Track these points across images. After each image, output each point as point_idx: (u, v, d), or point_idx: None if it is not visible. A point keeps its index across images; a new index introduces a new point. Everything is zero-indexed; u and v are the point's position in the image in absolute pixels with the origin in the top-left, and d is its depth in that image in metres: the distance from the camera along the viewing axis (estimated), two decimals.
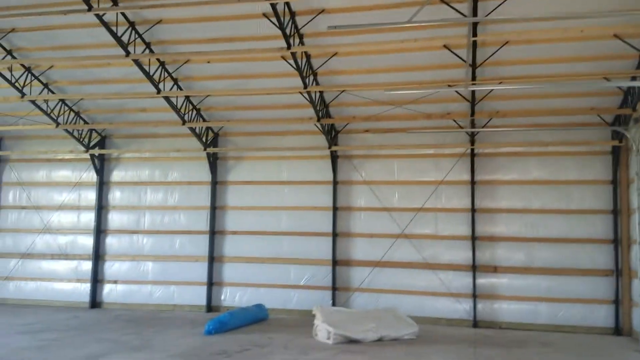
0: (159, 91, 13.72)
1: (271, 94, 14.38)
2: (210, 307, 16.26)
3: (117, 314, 15.71)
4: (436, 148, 15.15)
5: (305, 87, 12.93)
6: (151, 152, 17.03)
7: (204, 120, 15.98)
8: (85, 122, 16.54)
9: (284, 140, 16.21)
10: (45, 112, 15.19)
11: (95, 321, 14.30)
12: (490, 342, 12.43)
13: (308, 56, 12.96)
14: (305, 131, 15.91)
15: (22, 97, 14.31)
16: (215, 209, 16.66)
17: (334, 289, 15.41)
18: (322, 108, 14.53)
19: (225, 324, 12.55)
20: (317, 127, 15.10)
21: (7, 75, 14.05)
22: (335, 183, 15.78)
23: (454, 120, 14.50)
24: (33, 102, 14.79)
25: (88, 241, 17.35)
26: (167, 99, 14.15)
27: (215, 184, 16.75)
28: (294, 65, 12.58)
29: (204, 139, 16.14)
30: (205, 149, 16.15)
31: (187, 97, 15.03)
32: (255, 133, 16.51)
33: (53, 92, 15.21)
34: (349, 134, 15.78)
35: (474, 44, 11.59)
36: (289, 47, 11.61)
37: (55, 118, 15.56)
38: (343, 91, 13.85)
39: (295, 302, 15.79)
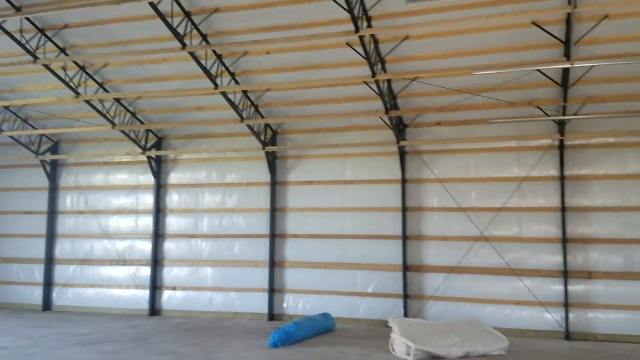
0: (216, 86, 12.88)
1: (334, 85, 13.32)
2: (272, 315, 15.32)
3: (177, 322, 15.00)
4: (519, 140, 13.61)
5: (374, 75, 11.72)
6: (208, 152, 16.27)
7: (262, 117, 15.06)
8: (141, 123, 15.99)
9: (347, 136, 15.06)
10: (101, 113, 14.68)
11: (154, 330, 13.61)
12: (591, 358, 10.88)
13: (376, 41, 11.77)
14: (370, 126, 14.76)
15: (77, 96, 13.80)
16: (275, 210, 15.72)
17: (406, 296, 14.12)
18: (390, 99, 13.30)
19: (292, 335, 11.52)
20: (383, 121, 13.91)
21: (61, 74, 13.55)
22: (404, 181, 14.49)
23: (539, 108, 12.93)
24: (88, 102, 14.27)
25: (146, 246, 16.79)
26: (224, 94, 13.31)
27: (275, 185, 15.82)
28: (362, 53, 11.41)
29: (262, 137, 15.24)
30: (264, 148, 15.23)
31: (244, 93, 14.17)
32: (316, 129, 15.45)
33: (108, 92, 14.67)
34: (419, 127, 14.44)
35: (568, 17, 10.13)
36: (357, 30, 10.45)
37: (112, 119, 15.03)
38: (415, 79, 12.57)
39: (362, 311, 14.60)
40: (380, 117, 13.82)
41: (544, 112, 12.82)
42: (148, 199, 17.01)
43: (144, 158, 16.70)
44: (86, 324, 14.39)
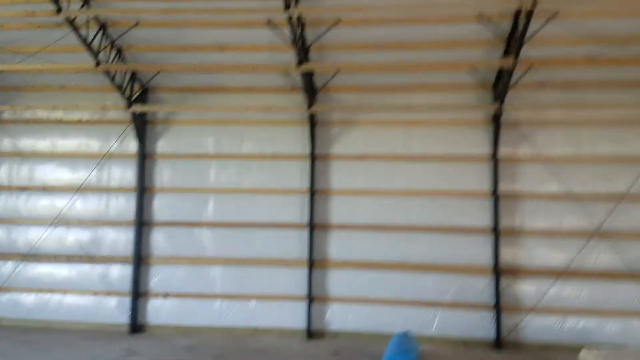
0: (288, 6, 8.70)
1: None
2: (310, 333, 11.49)
3: (186, 344, 10.71)
4: None
5: None
6: (218, 110, 11.98)
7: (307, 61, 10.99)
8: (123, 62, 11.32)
9: (417, 97, 11.54)
10: (86, 44, 9.84)
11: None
12: None
13: None
14: (448, 84, 11.37)
15: (58, 13, 8.89)
16: (314, 193, 11.81)
17: (498, 308, 10.94)
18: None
19: None
20: (483, 75, 10.58)
21: None
22: (495, 159, 11.24)
23: None
24: (73, 24, 9.38)
25: (123, 237, 12.15)
26: (293, 20, 9.18)
27: (315, 159, 11.89)
28: None
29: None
30: (309, 107, 11.25)
31: (300, 26, 10.07)
32: (373, 88, 11.74)
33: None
34: (518, 89, 11.11)
35: None
36: None
37: (96, 53, 10.24)
38: None
39: (437, 327, 11.23)
40: (476, 70, 10.48)
41: None
42: (127, 173, 12.33)
43: (120, 116, 12.07)
44: (55, 348, 9.64)
